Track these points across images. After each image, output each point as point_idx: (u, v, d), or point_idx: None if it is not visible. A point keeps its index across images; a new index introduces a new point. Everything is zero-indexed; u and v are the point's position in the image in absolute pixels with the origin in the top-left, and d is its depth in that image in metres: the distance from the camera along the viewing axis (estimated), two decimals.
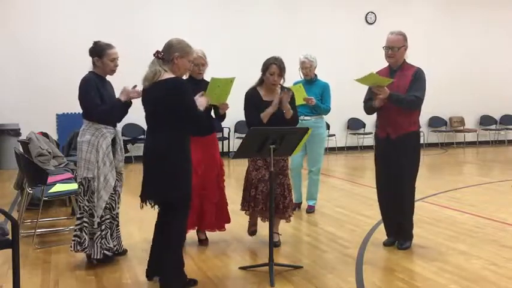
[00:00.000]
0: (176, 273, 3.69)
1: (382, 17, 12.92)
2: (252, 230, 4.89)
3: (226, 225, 4.93)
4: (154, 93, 3.59)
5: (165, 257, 3.67)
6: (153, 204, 3.73)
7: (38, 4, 10.63)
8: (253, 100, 4.62)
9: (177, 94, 3.52)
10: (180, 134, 3.61)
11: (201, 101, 3.79)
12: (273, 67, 4.55)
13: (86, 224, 4.21)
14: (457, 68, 13.37)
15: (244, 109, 4.68)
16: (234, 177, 8.66)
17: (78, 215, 4.24)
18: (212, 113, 4.69)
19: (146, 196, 3.73)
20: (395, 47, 4.50)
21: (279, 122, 4.45)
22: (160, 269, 3.73)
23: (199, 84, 4.46)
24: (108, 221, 4.26)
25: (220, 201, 4.84)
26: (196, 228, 4.86)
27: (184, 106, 3.53)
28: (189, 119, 3.57)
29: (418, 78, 4.51)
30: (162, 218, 3.77)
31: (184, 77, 4.08)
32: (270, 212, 4.08)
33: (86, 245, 4.21)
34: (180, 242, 3.76)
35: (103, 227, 4.23)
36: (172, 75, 3.58)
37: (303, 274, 4.05)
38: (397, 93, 4.44)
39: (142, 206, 3.76)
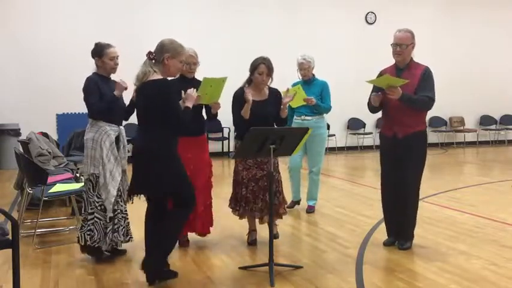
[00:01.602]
0: (160, 256, 3.80)
1: (382, 17, 12.92)
2: (252, 239, 4.86)
3: (227, 225, 4.92)
4: (143, 93, 3.67)
5: (158, 248, 3.75)
6: (141, 197, 3.83)
7: (38, 4, 10.62)
8: (240, 100, 4.62)
9: (162, 94, 3.57)
10: (168, 132, 3.66)
11: (190, 97, 3.81)
12: (262, 67, 4.58)
13: (97, 220, 4.30)
14: (457, 68, 13.35)
15: (232, 108, 4.71)
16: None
17: (90, 210, 4.32)
18: (204, 113, 4.69)
19: (140, 190, 3.80)
20: (404, 44, 4.45)
21: (266, 121, 4.48)
22: (159, 271, 3.79)
23: (190, 83, 4.45)
24: (121, 215, 4.38)
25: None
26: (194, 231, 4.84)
27: (167, 107, 3.58)
28: (170, 119, 3.61)
29: (427, 78, 4.46)
30: (162, 215, 3.82)
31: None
32: (270, 212, 4.08)
33: (96, 239, 4.29)
34: (175, 240, 3.86)
35: (115, 220, 4.35)
36: (160, 76, 3.62)
37: (303, 274, 4.05)
38: (409, 93, 4.38)
39: (130, 200, 3.87)
